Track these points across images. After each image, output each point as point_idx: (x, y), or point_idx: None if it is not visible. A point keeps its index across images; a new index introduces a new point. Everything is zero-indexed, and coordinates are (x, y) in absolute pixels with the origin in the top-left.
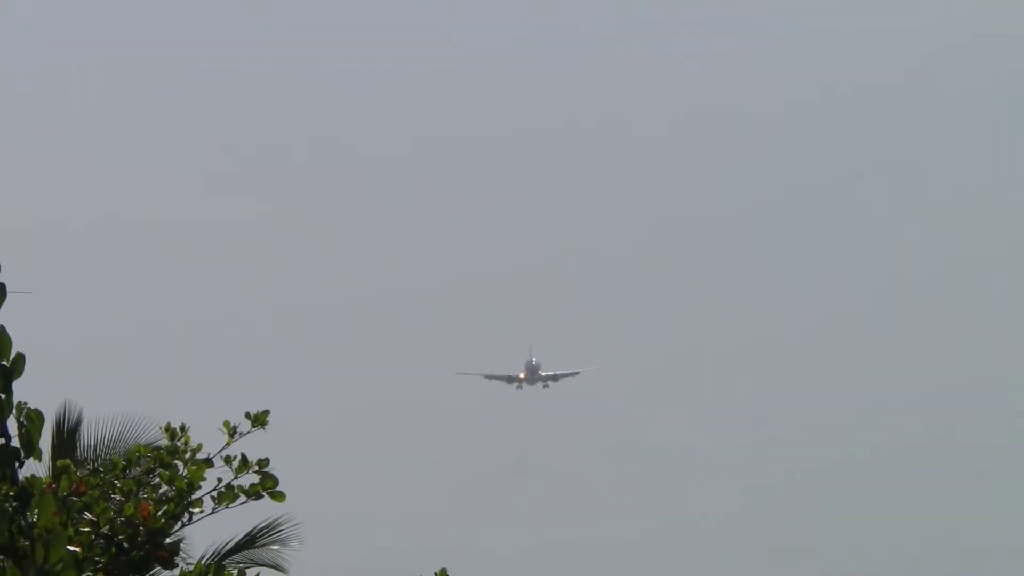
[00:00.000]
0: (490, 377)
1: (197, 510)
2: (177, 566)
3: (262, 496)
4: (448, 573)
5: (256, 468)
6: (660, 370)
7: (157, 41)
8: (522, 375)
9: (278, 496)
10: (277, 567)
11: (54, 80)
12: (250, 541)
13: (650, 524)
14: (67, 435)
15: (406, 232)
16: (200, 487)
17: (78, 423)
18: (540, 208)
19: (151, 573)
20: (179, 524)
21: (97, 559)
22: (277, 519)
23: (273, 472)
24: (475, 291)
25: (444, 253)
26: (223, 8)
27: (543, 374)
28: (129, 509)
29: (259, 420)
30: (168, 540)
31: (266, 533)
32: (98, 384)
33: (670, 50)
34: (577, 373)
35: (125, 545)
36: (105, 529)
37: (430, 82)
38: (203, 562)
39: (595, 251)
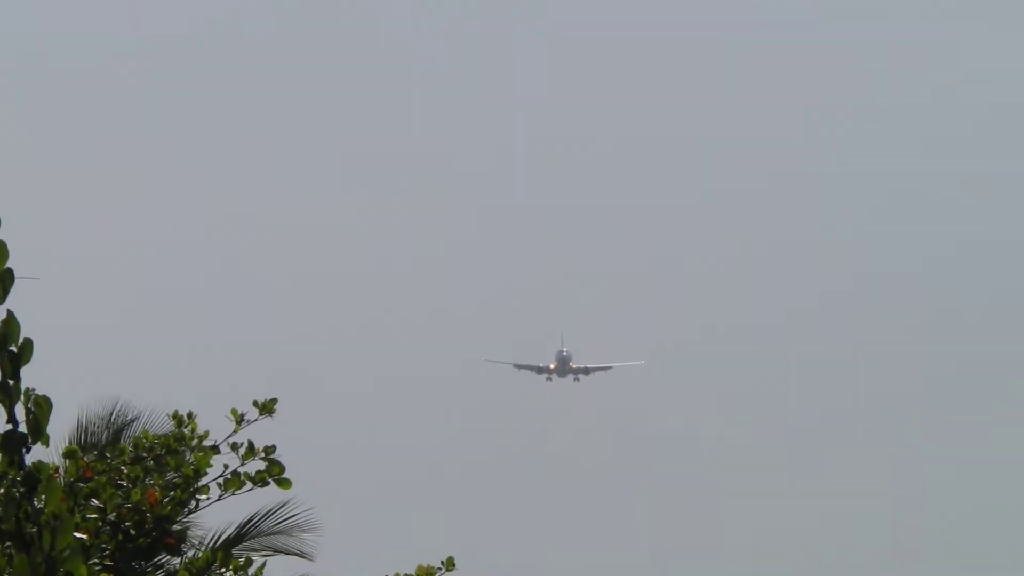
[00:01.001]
0: (519, 367)
1: (203, 497)
2: (184, 553)
3: (268, 483)
4: (455, 561)
5: (263, 455)
6: (693, 366)
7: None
8: (552, 366)
9: (284, 483)
10: (302, 554)
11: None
12: (259, 527)
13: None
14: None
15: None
16: (207, 474)
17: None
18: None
19: (158, 559)
20: (185, 511)
21: (104, 546)
22: (281, 504)
23: (280, 459)
24: (509, 283)
25: (485, 246)
26: None
27: (574, 366)
28: (136, 495)
29: (266, 408)
30: (175, 527)
31: (278, 519)
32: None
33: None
34: (610, 367)
35: (132, 532)
36: (112, 516)
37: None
38: (210, 547)
39: (629, 248)
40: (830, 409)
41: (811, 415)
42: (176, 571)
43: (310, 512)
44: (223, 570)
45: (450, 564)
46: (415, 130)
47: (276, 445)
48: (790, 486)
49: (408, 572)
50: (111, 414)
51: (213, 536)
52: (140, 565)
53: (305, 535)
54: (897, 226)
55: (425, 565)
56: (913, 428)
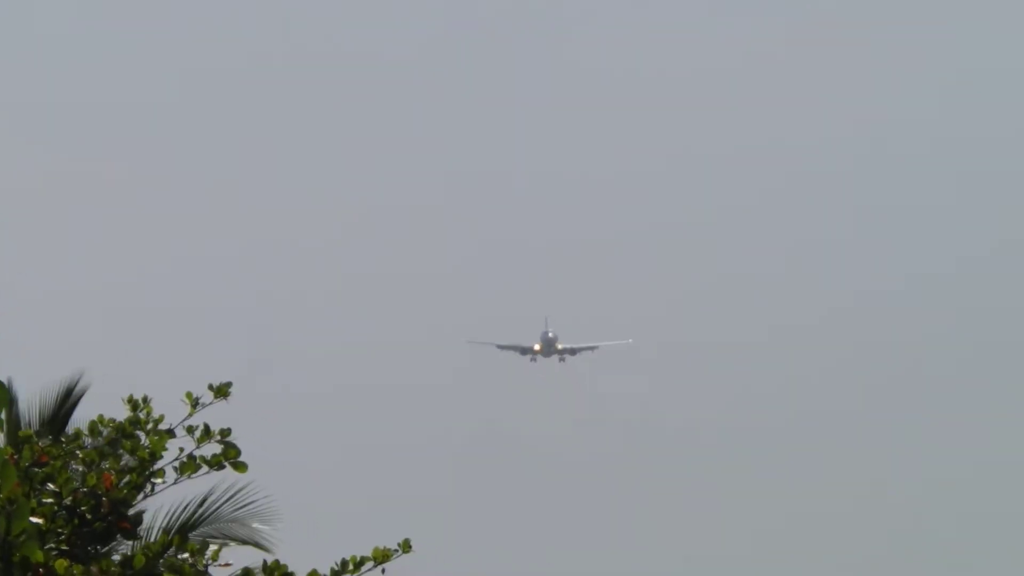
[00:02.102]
0: (503, 347)
1: (159, 480)
2: (140, 537)
3: (224, 466)
4: (411, 544)
5: (218, 438)
6: (679, 347)
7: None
8: (537, 347)
9: (240, 466)
10: (259, 545)
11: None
12: (217, 513)
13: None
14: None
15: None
16: (162, 457)
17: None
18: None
19: (114, 544)
20: (141, 495)
21: (60, 530)
22: (240, 488)
23: (235, 442)
24: (493, 261)
25: (469, 222)
26: None
27: (560, 347)
28: (92, 480)
29: (221, 391)
30: (131, 511)
31: (236, 505)
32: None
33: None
34: (596, 347)
35: (88, 516)
36: (68, 500)
37: (445, 56)
38: (162, 528)
39: (618, 225)
40: (830, 403)
41: (809, 409)
42: (132, 555)
43: (268, 499)
44: (180, 554)
45: (406, 547)
46: (399, 108)
47: (231, 428)
48: (788, 475)
49: (364, 555)
50: (67, 397)
51: (168, 518)
52: (96, 549)
53: (264, 526)
54: (896, 230)
55: (381, 547)
56: (914, 427)
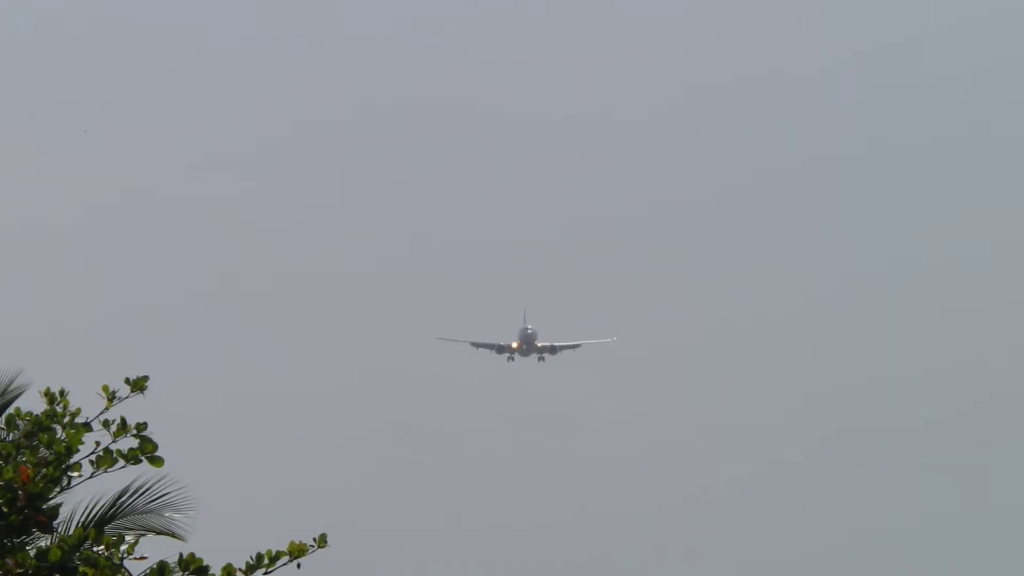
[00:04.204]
0: (477, 345)
1: (76, 474)
2: (56, 530)
3: (140, 461)
4: (327, 539)
5: (135, 432)
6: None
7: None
8: (515, 344)
9: (156, 461)
10: (173, 535)
11: None
12: (133, 505)
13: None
14: None
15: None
16: (79, 451)
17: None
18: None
19: (30, 537)
20: (58, 488)
21: None
22: (157, 480)
23: (151, 436)
24: (470, 257)
25: (447, 218)
26: None
27: (540, 344)
28: (8, 473)
29: (137, 385)
30: (47, 504)
31: (151, 497)
32: None
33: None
34: (579, 345)
35: (4, 509)
36: None
37: (423, 48)
38: (79, 523)
39: (597, 221)
40: (817, 396)
41: (804, 405)
42: (48, 549)
43: (182, 491)
44: (96, 548)
45: (322, 541)
46: (355, 96)
47: (147, 422)
48: (782, 475)
49: (280, 549)
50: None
51: (85, 512)
52: (12, 543)
53: (178, 514)
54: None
55: (297, 542)
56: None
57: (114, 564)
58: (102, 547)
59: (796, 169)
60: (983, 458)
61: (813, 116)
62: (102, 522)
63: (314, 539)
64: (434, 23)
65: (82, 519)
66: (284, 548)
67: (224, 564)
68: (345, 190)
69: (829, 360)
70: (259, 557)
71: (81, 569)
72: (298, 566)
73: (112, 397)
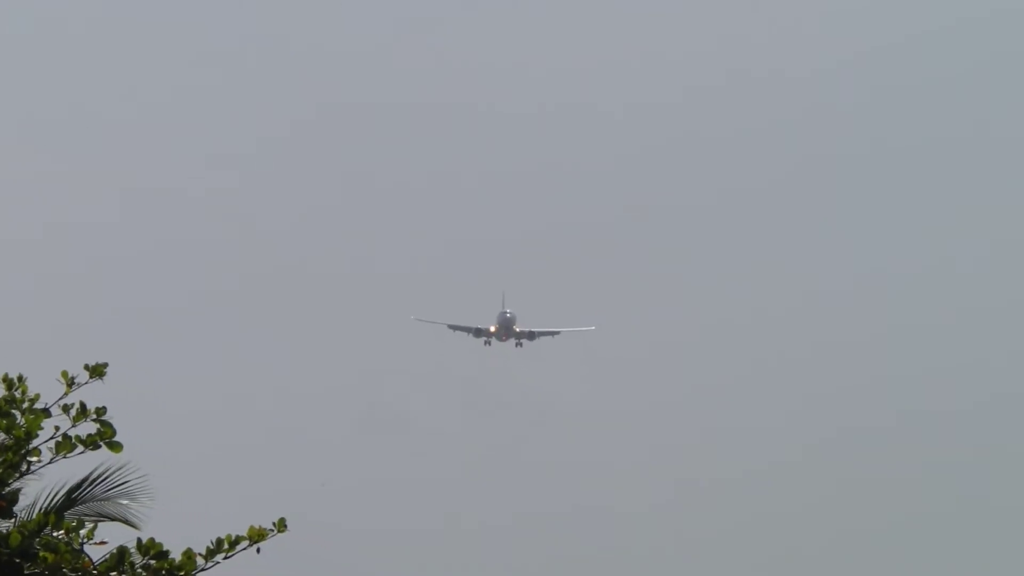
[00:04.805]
0: (454, 328)
1: (35, 459)
2: (15, 515)
3: (99, 446)
4: (286, 523)
5: (94, 417)
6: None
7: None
8: (492, 328)
9: (115, 446)
10: (128, 522)
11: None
12: (92, 492)
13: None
14: None
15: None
16: (38, 436)
17: None
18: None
19: None
20: (17, 474)
21: None
22: (118, 468)
23: (111, 421)
24: (451, 244)
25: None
26: None
27: (518, 329)
28: None
29: (97, 371)
30: (7, 490)
31: (111, 484)
32: None
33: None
34: (558, 332)
35: None
36: None
37: (408, 45)
38: (41, 509)
39: (579, 212)
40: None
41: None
42: (8, 533)
43: (144, 479)
44: (56, 533)
45: (281, 526)
46: (343, 77)
47: (106, 407)
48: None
49: (240, 534)
50: None
51: (48, 499)
52: None
53: (136, 503)
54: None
55: (257, 526)
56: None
57: (74, 549)
58: (62, 532)
59: (796, 169)
60: (983, 458)
61: (813, 116)
62: (63, 508)
63: (273, 523)
64: (434, 23)
65: (44, 505)
66: (244, 533)
67: (184, 549)
68: (345, 189)
69: (829, 360)
70: (219, 542)
71: (41, 554)
72: (257, 551)
73: (71, 383)
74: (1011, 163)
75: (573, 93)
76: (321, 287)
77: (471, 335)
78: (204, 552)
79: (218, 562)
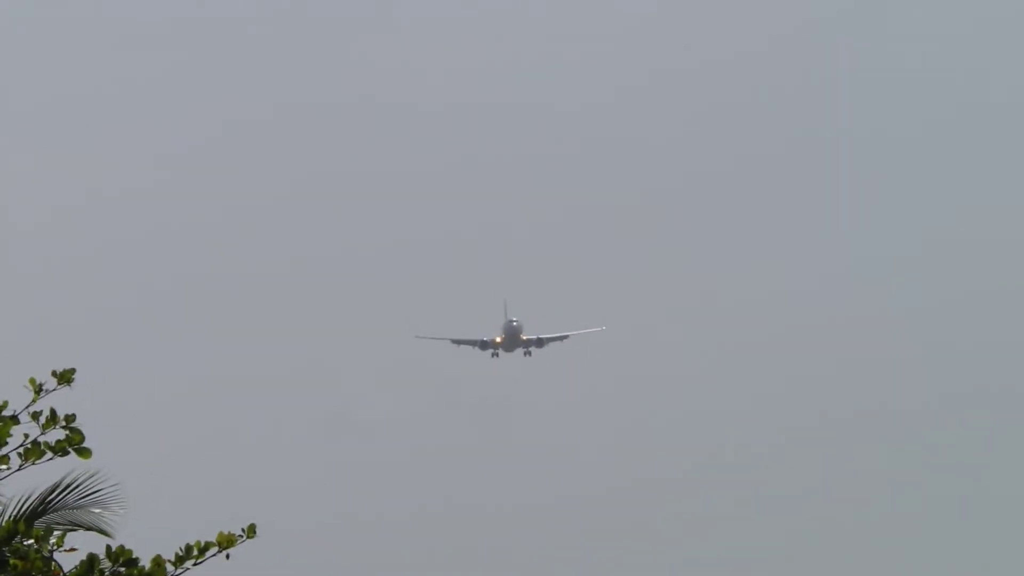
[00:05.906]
0: (458, 342)
1: (4, 467)
2: None
3: (68, 452)
4: (256, 530)
5: (63, 424)
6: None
7: None
8: (499, 339)
9: (84, 453)
10: (102, 531)
11: None
12: (64, 500)
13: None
14: None
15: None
16: (7, 443)
17: None
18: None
19: None
20: None
21: None
22: (90, 475)
23: (80, 428)
24: (448, 250)
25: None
26: None
27: (525, 338)
28: None
29: (64, 377)
30: None
31: (82, 493)
32: None
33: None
34: (567, 336)
35: None
36: None
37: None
38: (10, 517)
39: (579, 212)
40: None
41: (797, 404)
42: None
43: (116, 488)
44: (26, 541)
45: (251, 532)
46: (342, 74)
47: (76, 414)
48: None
49: (209, 540)
50: None
51: (17, 507)
52: None
53: (108, 511)
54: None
55: (226, 532)
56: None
57: (44, 557)
58: (31, 540)
59: (791, 162)
60: (982, 446)
61: (810, 111)
62: (33, 516)
63: (243, 529)
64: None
65: (13, 513)
66: (213, 539)
67: (153, 555)
68: (336, 193)
69: (825, 349)
70: (188, 548)
71: (12, 562)
72: (227, 557)
73: (39, 390)
74: (1012, 163)
75: (569, 91)
76: (320, 287)
77: (477, 348)
78: (173, 559)
79: (188, 568)
